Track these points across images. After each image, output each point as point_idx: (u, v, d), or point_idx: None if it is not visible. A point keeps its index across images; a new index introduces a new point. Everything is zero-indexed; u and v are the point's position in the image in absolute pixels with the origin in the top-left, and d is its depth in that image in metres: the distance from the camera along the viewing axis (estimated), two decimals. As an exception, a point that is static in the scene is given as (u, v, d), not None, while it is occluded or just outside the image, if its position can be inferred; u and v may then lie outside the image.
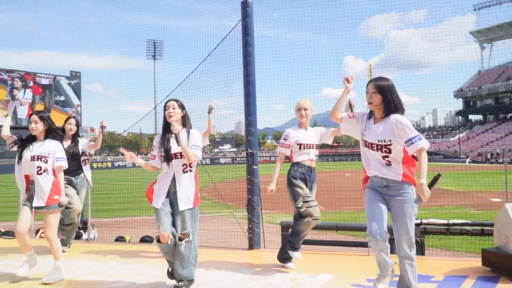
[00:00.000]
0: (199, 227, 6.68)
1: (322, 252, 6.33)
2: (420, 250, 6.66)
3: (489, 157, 58.56)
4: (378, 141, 3.77)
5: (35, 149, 5.17)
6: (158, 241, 4.37)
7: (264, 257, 6.35)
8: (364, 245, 6.39)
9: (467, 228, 6.60)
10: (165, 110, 4.48)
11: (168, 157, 4.41)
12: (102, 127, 6.65)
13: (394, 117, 3.72)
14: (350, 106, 4.79)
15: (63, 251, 6.36)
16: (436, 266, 5.33)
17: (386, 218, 3.89)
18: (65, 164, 5.27)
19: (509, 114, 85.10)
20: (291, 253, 5.35)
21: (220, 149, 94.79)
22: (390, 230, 3.94)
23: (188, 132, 4.51)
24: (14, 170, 5.22)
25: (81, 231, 8.50)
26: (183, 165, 4.43)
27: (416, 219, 6.98)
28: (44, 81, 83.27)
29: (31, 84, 79.67)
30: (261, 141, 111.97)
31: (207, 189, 25.37)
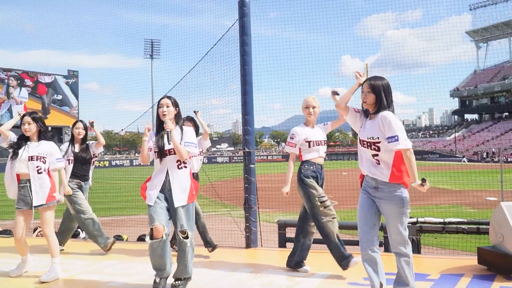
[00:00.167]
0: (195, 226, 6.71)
1: (319, 251, 6.35)
2: (416, 249, 6.69)
3: (484, 156, 58.71)
4: (368, 138, 3.79)
5: (32, 149, 5.23)
6: (151, 237, 4.26)
7: (261, 256, 6.38)
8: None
9: (463, 226, 6.62)
10: (158, 107, 4.43)
11: (162, 153, 4.36)
12: (91, 123, 6.71)
13: (382, 113, 3.73)
14: (334, 93, 4.63)
15: (114, 241, 6.51)
16: (432, 265, 5.36)
17: (375, 226, 3.91)
18: (63, 164, 5.50)
19: (505, 114, 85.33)
20: (353, 261, 5.02)
21: (217, 148, 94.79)
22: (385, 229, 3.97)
23: (182, 129, 4.47)
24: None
25: (79, 229, 8.50)
26: (177, 161, 4.39)
27: (412, 217, 7.04)
28: (48, 79, 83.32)
29: (28, 82, 79.43)
30: (258, 140, 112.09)
31: (204, 188, 25.34)
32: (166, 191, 4.38)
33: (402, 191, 3.75)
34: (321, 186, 5.24)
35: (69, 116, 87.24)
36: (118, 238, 9.23)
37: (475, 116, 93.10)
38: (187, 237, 4.35)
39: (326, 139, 5.39)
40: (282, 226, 7.10)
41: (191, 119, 6.20)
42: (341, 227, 7.53)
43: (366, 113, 3.97)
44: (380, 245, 6.51)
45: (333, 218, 5.10)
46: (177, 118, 4.52)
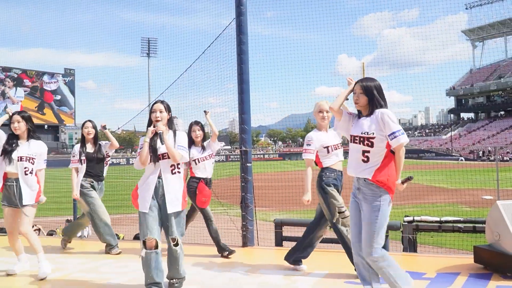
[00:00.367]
0: (193, 224, 6.70)
1: (315, 249, 6.35)
2: (413, 247, 6.72)
3: (480, 155, 58.91)
4: (362, 133, 3.77)
5: (22, 149, 5.25)
6: (146, 248, 4.19)
7: (258, 255, 6.38)
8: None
9: (459, 225, 6.64)
10: (151, 112, 4.35)
11: (155, 157, 4.26)
12: (103, 126, 6.66)
13: (380, 110, 3.76)
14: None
15: (119, 252, 6.43)
16: (428, 263, 5.37)
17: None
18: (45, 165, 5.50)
19: (501, 112, 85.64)
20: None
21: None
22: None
23: (175, 134, 4.39)
24: None
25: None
26: (171, 166, 4.29)
27: (408, 216, 7.06)
28: (54, 86, 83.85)
29: (27, 82, 79.58)
30: (255, 139, 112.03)
31: (200, 187, 25.34)
32: (158, 196, 4.27)
33: (381, 199, 3.69)
34: (340, 192, 5.10)
35: (66, 115, 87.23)
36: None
37: (471, 115, 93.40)
38: (177, 244, 4.30)
39: (341, 142, 5.25)
40: (279, 225, 7.11)
41: (198, 123, 6.14)
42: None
43: (358, 115, 3.97)
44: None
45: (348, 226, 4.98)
46: (170, 122, 4.44)
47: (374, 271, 3.86)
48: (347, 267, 5.05)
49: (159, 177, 4.28)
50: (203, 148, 6.09)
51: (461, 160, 51.59)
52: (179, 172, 4.35)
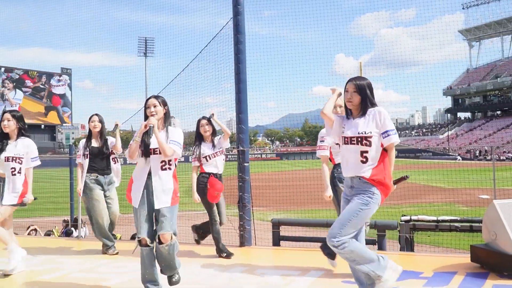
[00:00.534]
0: (190, 224, 6.70)
1: (313, 249, 6.36)
2: (410, 247, 6.73)
3: (477, 154, 59.05)
4: (359, 133, 3.74)
5: (9, 149, 5.24)
6: (140, 245, 4.18)
7: (255, 254, 6.38)
8: None
9: (456, 224, 6.65)
10: (146, 108, 4.27)
11: (146, 152, 4.18)
12: (116, 125, 6.55)
13: (377, 109, 3.77)
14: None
15: (116, 252, 6.35)
16: (425, 263, 5.38)
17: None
18: (38, 162, 5.42)
19: (497, 112, 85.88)
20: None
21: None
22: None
23: (167, 128, 4.29)
24: None
25: (72, 228, 8.47)
26: (161, 162, 4.20)
27: (406, 215, 7.07)
28: (61, 90, 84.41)
29: (28, 83, 79.96)
30: (252, 138, 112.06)
31: (197, 187, 25.33)
32: (149, 192, 4.20)
33: (373, 196, 3.66)
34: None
35: (65, 115, 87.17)
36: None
37: (467, 115, 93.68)
38: (161, 243, 4.11)
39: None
40: (276, 225, 7.11)
41: (206, 118, 6.10)
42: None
43: (347, 116, 3.94)
44: (374, 243, 6.55)
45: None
46: (166, 117, 4.34)
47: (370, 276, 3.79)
48: (344, 267, 5.05)
49: (150, 172, 4.20)
50: (213, 144, 6.06)
51: (458, 159, 51.74)
52: (169, 168, 4.25)
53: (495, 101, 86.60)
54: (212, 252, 6.17)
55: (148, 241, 4.16)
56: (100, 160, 6.32)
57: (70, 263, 5.91)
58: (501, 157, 52.55)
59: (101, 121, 6.40)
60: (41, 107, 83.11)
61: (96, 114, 6.46)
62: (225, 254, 6.00)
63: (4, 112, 5.32)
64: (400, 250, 6.66)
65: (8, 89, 77.87)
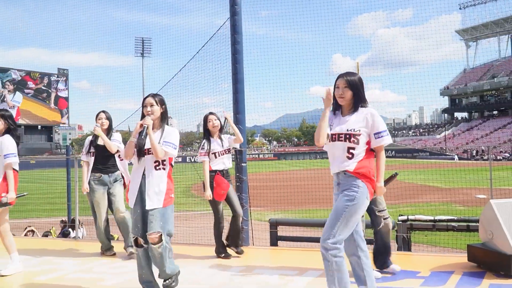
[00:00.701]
0: (188, 224, 6.70)
1: (310, 249, 6.37)
2: (407, 246, 6.75)
3: (474, 154, 59.17)
4: (348, 130, 3.70)
5: None
6: (136, 245, 4.18)
7: (253, 254, 6.38)
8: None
9: (453, 224, 6.68)
10: (143, 107, 4.24)
11: (140, 152, 4.15)
12: (94, 129, 6.27)
13: (368, 110, 3.73)
14: None
15: (132, 252, 6.07)
16: (422, 262, 5.39)
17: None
18: (13, 160, 5.19)
19: (494, 112, 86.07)
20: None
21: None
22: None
23: (163, 129, 4.25)
24: None
25: (69, 229, 8.47)
26: (155, 162, 4.16)
27: (403, 215, 7.09)
28: (65, 93, 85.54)
29: (30, 84, 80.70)
30: (249, 138, 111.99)
31: (195, 187, 25.33)
32: (143, 192, 4.16)
33: (359, 190, 3.59)
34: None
35: (51, 109, 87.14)
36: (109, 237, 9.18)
37: (464, 115, 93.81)
38: (158, 242, 4.05)
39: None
40: (274, 225, 7.12)
41: (213, 113, 6.05)
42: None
43: (334, 112, 3.88)
44: (371, 243, 6.55)
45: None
46: (163, 117, 4.30)
47: (369, 271, 3.78)
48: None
49: (144, 172, 4.18)
50: (221, 141, 6.00)
51: (456, 159, 51.85)
52: (164, 168, 4.18)
53: (492, 101, 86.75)
54: (209, 253, 6.17)
55: (142, 241, 4.14)
56: (105, 158, 6.18)
57: (68, 264, 5.90)
58: (498, 157, 52.68)
59: (108, 118, 6.25)
60: (44, 109, 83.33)
61: (103, 111, 6.31)
62: (222, 255, 6.00)
63: None
64: (397, 250, 6.67)
65: (8, 91, 78.06)
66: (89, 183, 6.16)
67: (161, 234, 4.04)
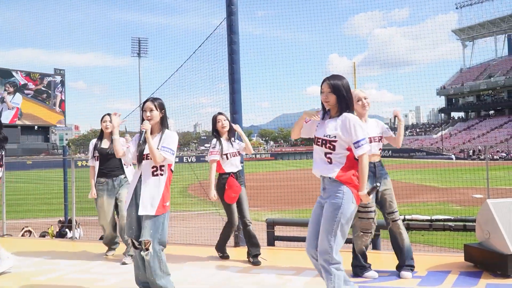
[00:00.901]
0: (185, 225, 6.70)
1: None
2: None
3: (471, 154, 59.33)
4: (324, 135, 3.65)
5: None
6: (134, 246, 4.18)
7: (250, 254, 6.37)
8: (348, 241, 6.43)
9: (450, 224, 6.68)
10: (143, 111, 4.22)
11: (140, 157, 4.15)
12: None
13: (347, 115, 3.62)
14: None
15: (125, 263, 5.89)
16: (419, 262, 5.39)
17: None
18: None
19: (490, 111, 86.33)
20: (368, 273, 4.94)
21: (206, 147, 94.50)
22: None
23: (162, 134, 4.23)
24: None
25: (66, 229, 8.44)
26: (152, 167, 4.12)
27: (400, 215, 7.09)
28: (62, 96, 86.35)
29: (30, 85, 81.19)
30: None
31: (192, 187, 25.34)
32: (137, 197, 4.14)
33: (344, 196, 3.53)
34: (380, 183, 4.68)
35: (57, 113, 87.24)
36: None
37: (461, 114, 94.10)
38: (147, 249, 4.02)
39: (380, 134, 4.96)
40: (271, 225, 7.11)
41: (222, 113, 5.96)
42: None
43: (324, 116, 3.82)
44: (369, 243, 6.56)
45: (364, 233, 4.84)
46: (162, 121, 4.28)
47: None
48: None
49: (140, 177, 4.16)
50: (232, 142, 5.88)
51: (453, 159, 51.97)
52: (161, 174, 4.14)
53: (488, 100, 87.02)
54: (207, 253, 6.17)
55: (136, 243, 4.13)
56: (110, 162, 6.05)
57: (65, 264, 5.88)
58: (495, 157, 52.87)
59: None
60: (44, 109, 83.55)
61: (109, 114, 6.14)
62: (221, 254, 5.98)
63: None
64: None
65: (8, 93, 78.27)
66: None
67: (150, 243, 4.01)
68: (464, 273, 4.87)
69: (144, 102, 4.25)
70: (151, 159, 4.09)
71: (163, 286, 4.11)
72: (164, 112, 4.28)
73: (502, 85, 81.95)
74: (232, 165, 5.77)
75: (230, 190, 5.67)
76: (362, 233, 4.87)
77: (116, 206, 6.07)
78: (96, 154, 6.07)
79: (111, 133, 5.92)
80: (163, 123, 4.28)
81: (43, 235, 11.17)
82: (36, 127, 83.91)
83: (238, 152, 5.93)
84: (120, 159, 5.98)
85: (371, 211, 4.79)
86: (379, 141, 4.91)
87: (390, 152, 60.57)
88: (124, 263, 5.81)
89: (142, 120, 4.21)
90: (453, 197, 17.56)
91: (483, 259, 4.95)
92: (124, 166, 6.14)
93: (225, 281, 4.97)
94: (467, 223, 6.62)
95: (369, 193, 3.56)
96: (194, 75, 8.36)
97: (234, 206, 5.84)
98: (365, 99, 4.82)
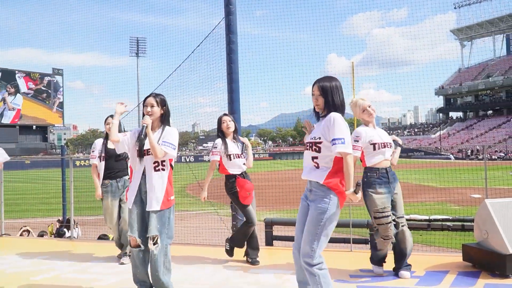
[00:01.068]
0: (183, 224, 6.69)
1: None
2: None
3: (469, 154, 59.40)
4: (311, 138, 3.62)
5: None
6: (131, 245, 4.17)
7: (249, 254, 6.37)
8: (346, 241, 6.45)
9: (448, 223, 6.69)
10: (144, 107, 4.22)
11: (141, 152, 4.14)
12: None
13: (331, 115, 3.53)
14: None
15: (123, 263, 5.84)
16: (417, 262, 5.39)
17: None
18: None
19: (489, 111, 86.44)
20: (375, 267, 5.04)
21: (204, 147, 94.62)
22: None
23: (163, 129, 4.23)
24: None
25: (65, 229, 8.43)
26: (154, 163, 4.12)
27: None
28: (61, 96, 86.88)
29: (30, 85, 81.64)
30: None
31: (191, 187, 25.34)
32: (142, 193, 4.15)
33: (330, 202, 3.49)
34: (393, 189, 4.80)
35: (55, 112, 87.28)
36: (104, 237, 9.17)
37: (459, 114, 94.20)
38: (155, 243, 4.05)
39: (391, 141, 4.93)
40: (269, 224, 7.12)
41: (227, 114, 5.89)
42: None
43: (317, 117, 3.77)
44: (366, 243, 6.56)
45: (385, 239, 4.80)
46: (164, 117, 4.28)
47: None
48: (337, 266, 5.06)
49: (144, 173, 4.16)
50: (237, 143, 5.79)
51: (452, 159, 52.02)
52: (163, 169, 4.16)
53: (486, 100, 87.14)
54: (206, 253, 6.17)
55: (139, 241, 4.11)
56: (116, 162, 6.02)
57: (63, 264, 5.87)
58: (493, 157, 52.95)
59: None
60: (43, 109, 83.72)
61: (111, 116, 5.95)
62: (228, 248, 5.78)
63: None
64: (392, 249, 6.68)
65: (9, 94, 78.43)
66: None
67: (157, 237, 4.04)
68: (462, 273, 4.88)
69: (146, 97, 4.26)
70: (152, 154, 4.10)
71: (165, 282, 4.13)
72: (165, 109, 4.28)
73: (500, 85, 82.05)
74: (235, 167, 5.68)
75: (242, 190, 5.57)
76: (382, 239, 4.83)
77: (119, 208, 6.02)
78: (103, 154, 6.00)
79: None
80: (163, 120, 4.28)
81: (41, 234, 11.15)
82: (34, 126, 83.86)
83: (243, 154, 5.85)
84: (126, 162, 6.03)
85: (387, 216, 4.73)
86: (390, 147, 4.89)
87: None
88: (122, 263, 5.80)
89: (143, 115, 4.20)
90: (451, 197, 17.56)
91: (481, 259, 4.96)
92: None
93: (224, 281, 4.97)
94: (465, 223, 6.63)
95: (356, 192, 3.52)
96: (192, 75, 8.36)
97: (250, 206, 5.69)
98: (369, 107, 4.85)
